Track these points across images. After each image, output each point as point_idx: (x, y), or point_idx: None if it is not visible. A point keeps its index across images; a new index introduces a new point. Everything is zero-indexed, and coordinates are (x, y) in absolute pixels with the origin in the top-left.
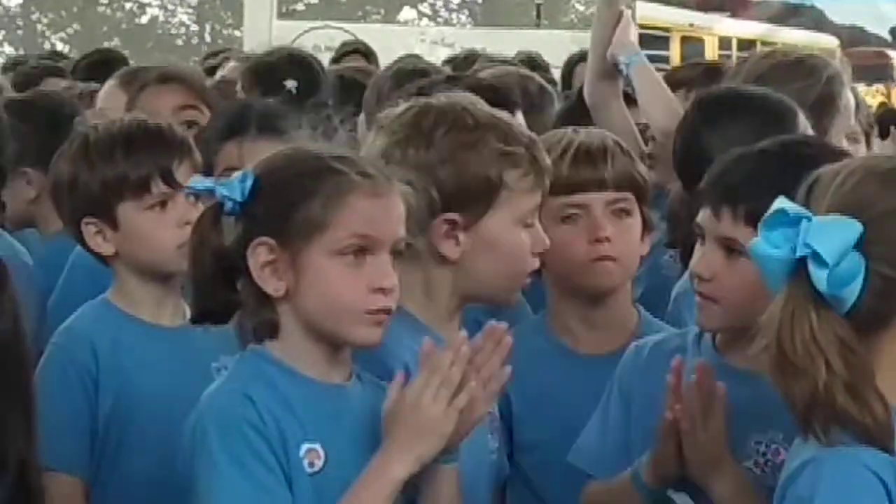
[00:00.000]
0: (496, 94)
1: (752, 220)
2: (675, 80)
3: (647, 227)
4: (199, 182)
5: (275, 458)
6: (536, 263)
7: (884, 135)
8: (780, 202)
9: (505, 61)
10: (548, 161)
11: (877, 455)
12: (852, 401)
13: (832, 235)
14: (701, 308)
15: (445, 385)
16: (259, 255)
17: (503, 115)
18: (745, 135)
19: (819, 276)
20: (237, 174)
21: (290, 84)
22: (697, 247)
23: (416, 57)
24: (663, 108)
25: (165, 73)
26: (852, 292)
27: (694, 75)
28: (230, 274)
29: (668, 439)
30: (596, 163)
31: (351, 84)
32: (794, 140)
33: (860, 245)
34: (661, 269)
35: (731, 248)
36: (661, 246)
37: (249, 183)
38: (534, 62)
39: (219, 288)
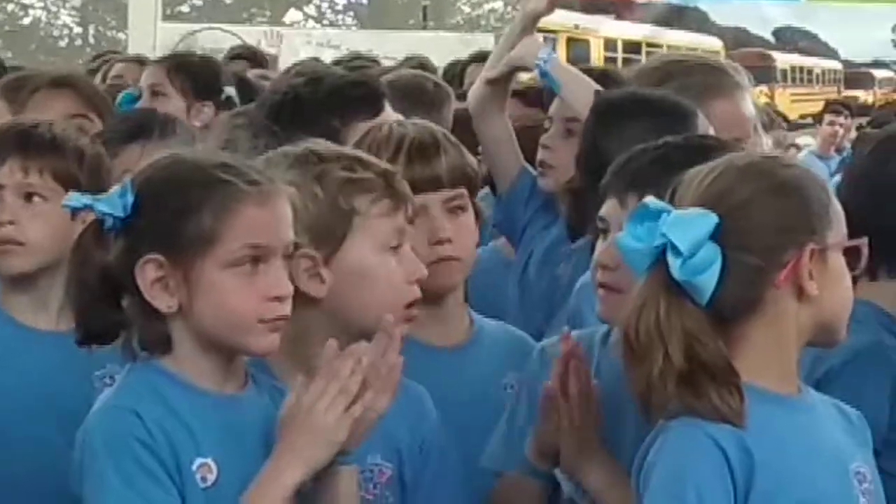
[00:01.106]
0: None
1: None
2: None
3: (478, 218)
4: (75, 199)
5: (166, 474)
6: (416, 292)
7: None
8: (645, 199)
9: (391, 69)
10: (405, 186)
11: (722, 427)
12: (685, 390)
13: (687, 227)
14: (602, 299)
15: (343, 393)
16: (148, 272)
17: (350, 150)
18: (646, 136)
19: (674, 265)
20: (115, 188)
21: (230, 91)
22: (600, 241)
23: (316, 60)
24: (588, 98)
25: (57, 78)
26: (709, 281)
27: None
28: (114, 292)
29: (547, 416)
30: (429, 159)
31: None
32: (695, 134)
33: (717, 236)
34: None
35: None
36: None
37: (131, 198)
38: (424, 67)
39: (104, 307)
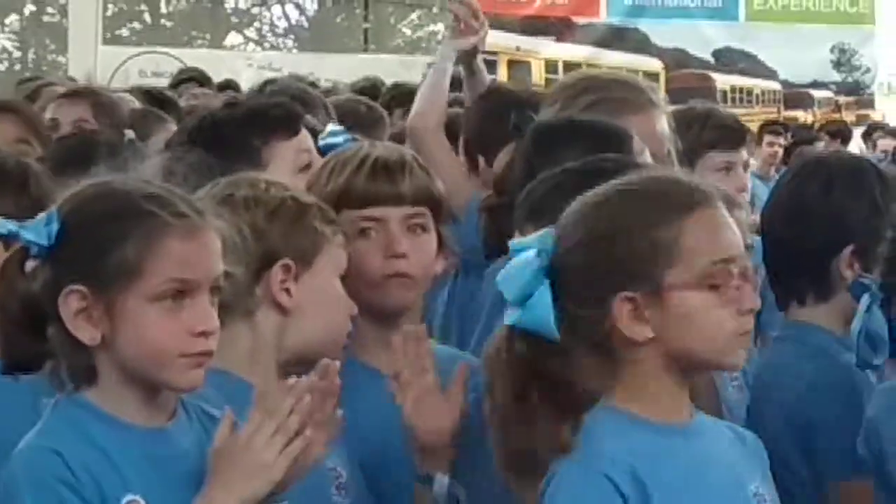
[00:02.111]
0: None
1: None
2: None
3: (441, 245)
4: (1, 226)
5: None
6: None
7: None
8: (513, 239)
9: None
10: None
11: (614, 461)
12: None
13: (514, 275)
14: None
15: (281, 432)
16: (71, 304)
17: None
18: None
19: (509, 316)
20: (41, 215)
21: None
22: None
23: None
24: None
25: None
26: (545, 322)
27: None
28: (39, 321)
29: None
30: (393, 176)
31: None
32: (597, 157)
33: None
34: None
35: None
36: None
37: (55, 226)
38: (374, 87)
39: (29, 336)
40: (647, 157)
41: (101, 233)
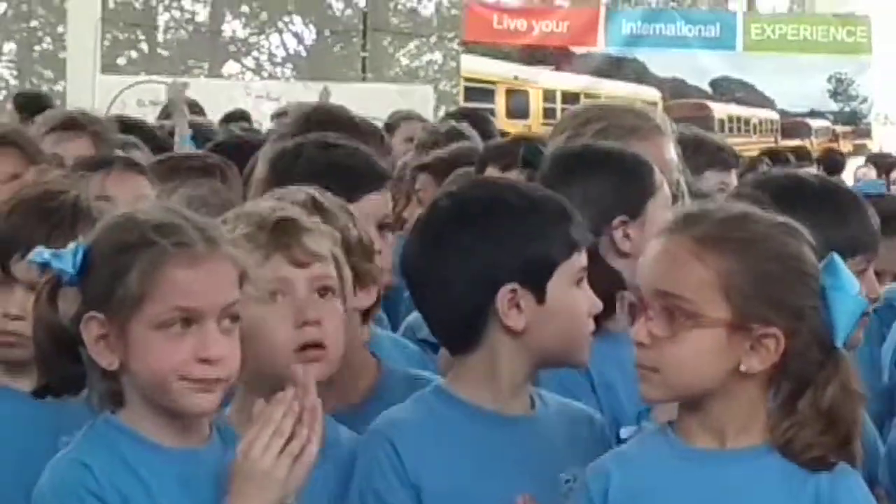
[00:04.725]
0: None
1: None
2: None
3: (374, 283)
4: (38, 255)
5: None
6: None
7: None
8: None
9: None
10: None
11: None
12: None
13: None
14: None
15: (277, 435)
16: (91, 330)
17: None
18: (602, 190)
19: None
20: (71, 245)
21: None
22: None
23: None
24: None
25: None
26: None
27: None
28: (73, 346)
29: None
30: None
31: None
32: None
33: None
34: None
35: None
36: None
37: (80, 255)
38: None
39: (61, 362)
40: (665, 189)
41: (113, 262)
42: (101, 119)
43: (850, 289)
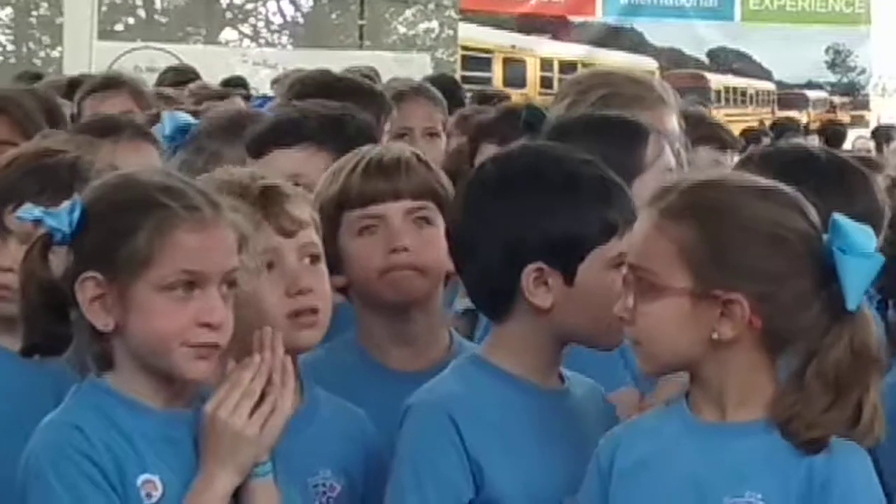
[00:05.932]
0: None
1: None
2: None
3: None
4: (28, 212)
5: (109, 486)
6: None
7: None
8: None
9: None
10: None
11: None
12: None
13: None
14: None
15: (247, 396)
16: (87, 290)
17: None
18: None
19: None
20: (66, 203)
21: None
22: None
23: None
24: None
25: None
26: None
27: (495, 123)
28: (62, 306)
29: None
30: (389, 173)
31: None
32: None
33: None
34: None
35: None
36: None
37: (77, 214)
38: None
39: (48, 320)
40: (669, 156)
41: (116, 222)
42: (136, 77)
43: (861, 248)
